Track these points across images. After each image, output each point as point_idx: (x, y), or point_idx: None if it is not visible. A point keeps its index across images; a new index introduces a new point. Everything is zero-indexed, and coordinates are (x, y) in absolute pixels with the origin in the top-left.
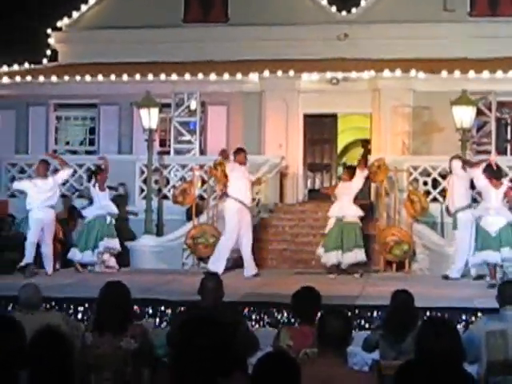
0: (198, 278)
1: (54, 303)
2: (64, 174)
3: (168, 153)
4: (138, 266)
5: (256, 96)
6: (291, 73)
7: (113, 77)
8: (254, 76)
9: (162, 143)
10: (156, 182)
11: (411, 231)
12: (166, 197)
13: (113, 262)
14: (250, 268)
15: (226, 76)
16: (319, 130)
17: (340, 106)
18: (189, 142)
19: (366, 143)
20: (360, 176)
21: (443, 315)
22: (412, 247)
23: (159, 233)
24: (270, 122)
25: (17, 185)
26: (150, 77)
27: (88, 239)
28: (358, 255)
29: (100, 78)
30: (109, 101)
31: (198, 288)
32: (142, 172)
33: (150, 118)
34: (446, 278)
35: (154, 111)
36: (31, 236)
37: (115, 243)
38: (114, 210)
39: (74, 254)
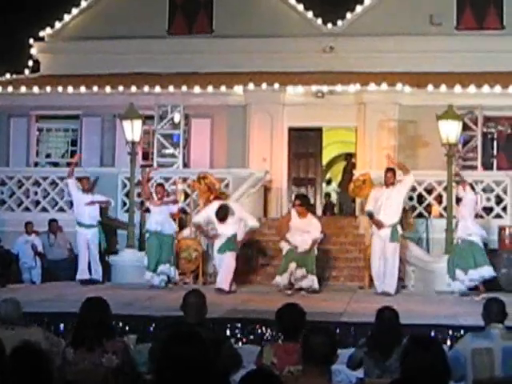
0: (181, 294)
1: (34, 318)
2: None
3: (151, 166)
4: (120, 280)
5: (240, 109)
6: (276, 86)
7: (95, 88)
8: (238, 89)
9: (145, 156)
10: (139, 195)
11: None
12: (148, 210)
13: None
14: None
15: (210, 88)
16: (304, 143)
17: (325, 119)
18: (172, 155)
19: (349, 157)
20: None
21: (429, 332)
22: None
23: (142, 247)
24: (255, 136)
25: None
26: (134, 89)
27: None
28: (315, 282)
29: (82, 89)
30: (91, 112)
31: (180, 304)
32: (125, 185)
33: (132, 130)
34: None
35: (137, 123)
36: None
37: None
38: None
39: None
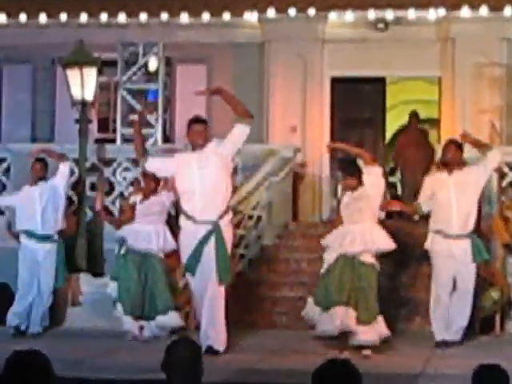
0: (162, 345)
1: None
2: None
3: (113, 141)
4: (66, 323)
5: (255, 49)
6: (311, 11)
7: (23, 17)
8: (251, 16)
9: (103, 125)
10: (93, 187)
11: (505, 268)
12: (108, 212)
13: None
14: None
15: (206, 16)
16: (357, 104)
17: (390, 65)
18: (146, 123)
19: (415, 117)
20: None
21: None
22: (507, 294)
23: (97, 271)
24: (278, 92)
25: None
26: (84, 17)
27: None
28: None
29: (2, 19)
30: (17, 56)
31: (161, 361)
32: (72, 172)
33: (82, 83)
34: None
35: (90, 73)
36: None
37: None
38: None
39: None
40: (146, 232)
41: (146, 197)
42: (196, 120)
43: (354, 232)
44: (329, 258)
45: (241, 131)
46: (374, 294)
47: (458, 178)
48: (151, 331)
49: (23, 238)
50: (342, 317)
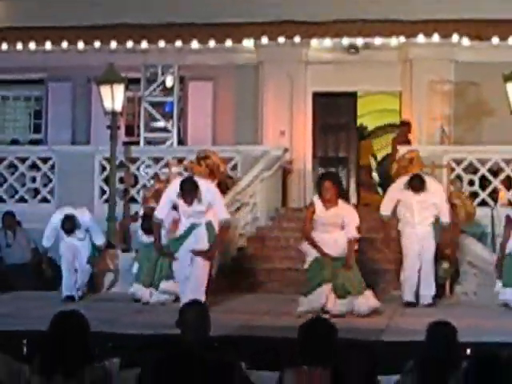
0: (170, 308)
1: None
2: None
3: (137, 143)
4: (102, 290)
5: (251, 69)
6: (297, 39)
7: (65, 44)
8: (248, 43)
9: (129, 131)
10: (121, 180)
11: (453, 245)
12: (134, 200)
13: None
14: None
15: (212, 43)
16: (334, 113)
17: (360, 82)
18: (164, 129)
19: (406, 125)
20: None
21: (495, 353)
22: (454, 265)
23: (126, 248)
24: (270, 103)
25: None
26: (114, 44)
27: None
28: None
29: (48, 45)
30: (60, 76)
31: (176, 319)
32: (104, 168)
33: (113, 97)
34: None
35: (119, 89)
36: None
37: None
38: None
39: None
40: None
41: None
42: (186, 180)
43: (330, 240)
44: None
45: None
46: (356, 273)
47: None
48: (158, 298)
49: None
50: (327, 294)
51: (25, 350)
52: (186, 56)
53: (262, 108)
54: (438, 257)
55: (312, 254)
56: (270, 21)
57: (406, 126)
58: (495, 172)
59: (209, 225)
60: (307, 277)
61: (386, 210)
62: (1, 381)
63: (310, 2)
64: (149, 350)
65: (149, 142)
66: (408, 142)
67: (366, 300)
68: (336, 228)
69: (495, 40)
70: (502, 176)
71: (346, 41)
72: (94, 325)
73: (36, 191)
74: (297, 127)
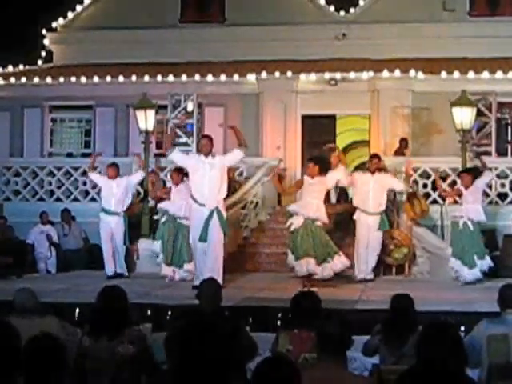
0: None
1: (49, 308)
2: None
3: (164, 155)
4: (136, 270)
5: (254, 97)
6: (289, 73)
7: (108, 78)
8: (251, 77)
9: (159, 145)
10: (152, 183)
11: (411, 234)
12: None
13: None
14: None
15: (223, 77)
16: (318, 131)
17: (339, 107)
18: (185, 143)
19: (403, 141)
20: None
21: (444, 319)
22: (412, 250)
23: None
24: (268, 124)
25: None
26: (146, 78)
27: None
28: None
29: (96, 79)
30: (105, 102)
31: (196, 293)
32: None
33: (146, 119)
34: None
35: (151, 113)
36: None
37: None
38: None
39: None
40: (178, 204)
41: (177, 185)
42: (203, 136)
43: (312, 204)
44: (296, 222)
45: (238, 154)
46: (326, 241)
47: (377, 178)
48: (180, 275)
49: (102, 214)
50: (307, 264)
51: (76, 316)
52: (203, 87)
53: (262, 128)
54: (399, 244)
55: (295, 214)
56: (268, 59)
57: (403, 141)
58: (443, 178)
59: (218, 210)
60: (291, 244)
61: None
62: (59, 338)
63: (300, 46)
64: (174, 318)
65: None
66: (403, 154)
67: (339, 262)
68: (320, 195)
69: (444, 74)
70: (448, 180)
71: (327, 75)
72: (131, 297)
73: (86, 193)
74: (289, 143)
